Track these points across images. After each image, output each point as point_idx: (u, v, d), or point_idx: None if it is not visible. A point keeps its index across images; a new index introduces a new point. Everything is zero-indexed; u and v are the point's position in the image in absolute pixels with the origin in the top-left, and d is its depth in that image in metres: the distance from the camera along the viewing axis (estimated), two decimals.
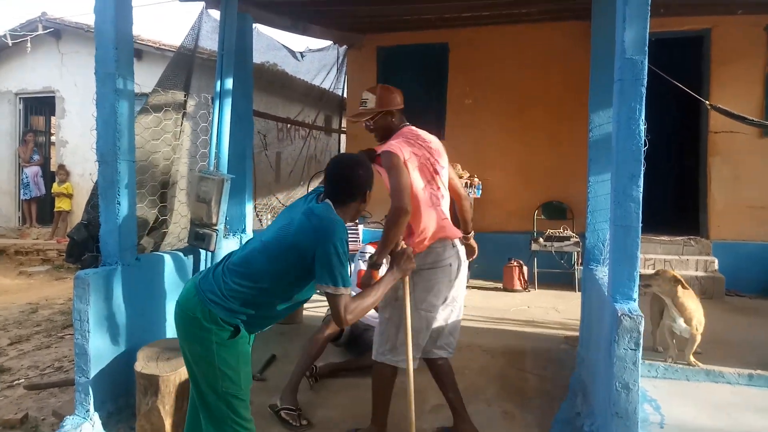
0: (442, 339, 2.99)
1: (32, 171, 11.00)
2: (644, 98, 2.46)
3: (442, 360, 3.00)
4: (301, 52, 7.58)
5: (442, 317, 2.96)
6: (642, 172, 2.49)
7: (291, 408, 3.16)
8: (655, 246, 6.23)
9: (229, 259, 2.25)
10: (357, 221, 6.81)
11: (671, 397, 3.28)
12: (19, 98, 11.20)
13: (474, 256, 3.32)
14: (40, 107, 11.64)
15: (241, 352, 2.18)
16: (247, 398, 2.22)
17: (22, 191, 11.03)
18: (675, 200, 8.40)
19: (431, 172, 2.93)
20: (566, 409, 3.33)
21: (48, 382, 4.23)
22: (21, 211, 11.28)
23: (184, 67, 4.13)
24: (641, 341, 2.36)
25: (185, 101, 4.15)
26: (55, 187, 10.83)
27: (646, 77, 2.46)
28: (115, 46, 3.19)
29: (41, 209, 11.30)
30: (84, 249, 3.35)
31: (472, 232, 3.33)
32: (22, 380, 4.53)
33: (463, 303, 3.08)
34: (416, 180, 2.84)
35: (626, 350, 2.37)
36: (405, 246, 2.47)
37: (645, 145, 2.53)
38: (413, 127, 3.06)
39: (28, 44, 9.91)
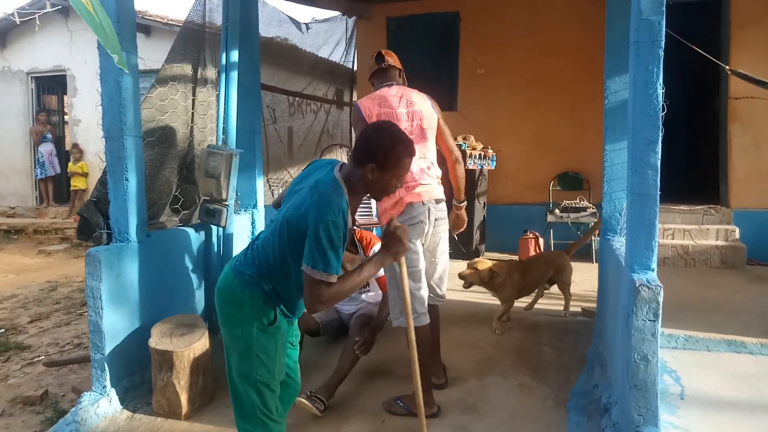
0: (430, 290, 3.18)
1: (46, 150, 11.06)
2: (662, 61, 2.35)
3: (428, 306, 3.15)
4: (306, 24, 7.44)
5: (428, 271, 3.15)
6: (660, 138, 2.39)
7: (322, 399, 3.07)
8: (674, 216, 6.11)
9: (257, 239, 2.21)
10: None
11: (692, 368, 3.22)
12: (31, 77, 11.21)
13: (461, 229, 3.39)
14: (52, 86, 11.66)
15: (280, 342, 2.17)
16: (277, 391, 2.19)
17: (38, 170, 11.10)
18: (694, 168, 8.22)
19: None
20: (583, 382, 3.29)
21: (66, 358, 4.28)
22: (38, 191, 11.38)
23: (191, 41, 4.06)
24: (660, 312, 2.29)
25: (195, 75, 4.08)
26: (71, 166, 10.90)
27: (663, 39, 2.35)
28: (117, 20, 3.12)
29: (57, 188, 11.40)
30: (95, 226, 3.34)
31: (465, 202, 3.35)
32: (42, 357, 4.59)
33: (447, 257, 3.23)
34: None
35: (644, 321, 2.31)
36: (397, 223, 2.22)
37: (663, 110, 2.43)
38: (387, 89, 3.14)
39: (37, 22, 9.86)
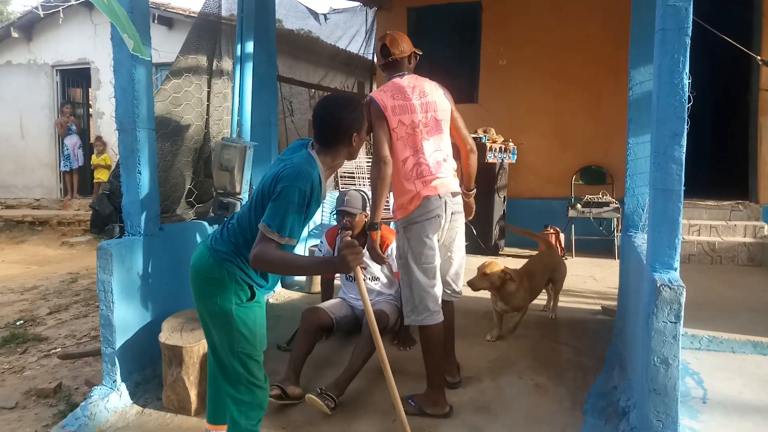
0: (445, 286, 3.14)
1: (71, 142, 11.19)
2: (688, 49, 2.24)
3: (443, 302, 3.11)
4: (324, 14, 7.37)
5: (443, 267, 3.10)
6: (685, 131, 2.28)
7: (333, 397, 3.01)
8: (700, 211, 5.93)
9: (233, 217, 2.27)
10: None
11: (715, 370, 3.09)
12: (56, 70, 11.33)
13: (470, 217, 3.31)
14: (77, 79, 11.78)
15: (258, 314, 2.23)
16: (261, 359, 2.26)
17: (62, 162, 11.23)
18: (722, 163, 7.99)
19: (412, 132, 2.94)
20: (602, 383, 3.19)
21: (81, 351, 4.29)
22: (63, 183, 11.52)
23: (206, 32, 4.02)
24: (682, 314, 2.19)
25: (210, 66, 4.04)
26: (94, 159, 11.01)
27: (690, 26, 2.23)
28: (131, 10, 3.09)
29: (82, 180, 11.53)
30: (107, 219, 3.33)
31: (474, 190, 3.29)
32: (59, 349, 4.62)
33: (464, 252, 3.19)
34: (398, 152, 2.92)
35: (665, 323, 2.20)
36: (349, 241, 2.16)
37: (689, 102, 2.32)
38: (399, 79, 3.04)
39: (61, 15, 9.94)
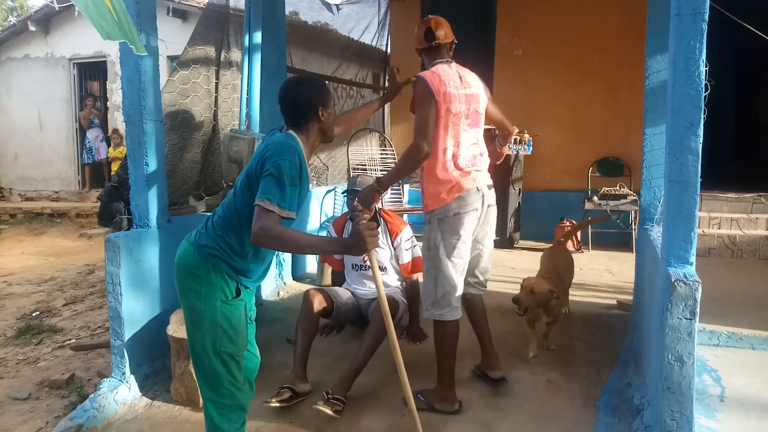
0: (473, 278, 3.11)
1: (93, 135, 11.27)
2: (705, 36, 2.15)
3: (471, 295, 3.11)
4: (336, 5, 7.30)
5: (473, 261, 3.04)
6: (702, 121, 2.19)
7: (340, 399, 2.95)
8: (720, 204, 5.78)
9: (215, 213, 2.22)
10: (401, 181, 6.62)
11: (733, 367, 3.01)
12: (73, 64, 11.40)
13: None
14: (94, 72, 11.84)
15: (242, 314, 2.17)
16: (242, 361, 2.20)
17: (85, 155, 11.32)
18: (744, 154, 7.82)
19: (456, 122, 2.86)
20: (616, 380, 3.12)
21: (94, 342, 4.32)
22: (81, 175, 11.61)
23: (214, 23, 3.98)
24: (697, 310, 2.11)
25: (218, 58, 4.01)
26: (111, 152, 11.08)
27: (707, 11, 2.14)
28: (137, 1, 3.07)
29: (98, 173, 11.59)
30: (115, 212, 3.32)
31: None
32: (73, 341, 4.66)
33: (492, 245, 3.14)
34: (440, 140, 2.83)
35: (680, 319, 2.13)
36: (367, 218, 2.16)
37: (706, 90, 2.23)
38: (447, 66, 2.92)
39: (77, 8, 9.97)
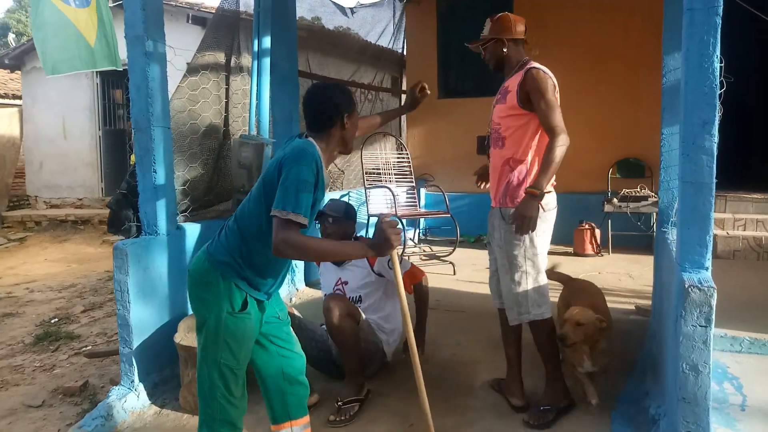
0: None
1: None
2: (719, 30, 2.06)
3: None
4: (351, 8, 7.29)
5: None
6: (716, 119, 2.10)
7: (352, 400, 2.90)
8: (746, 204, 5.62)
9: (229, 220, 2.19)
10: (415, 186, 6.57)
11: (756, 375, 2.89)
12: (96, 72, 11.56)
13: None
14: (117, 81, 12.01)
15: (248, 328, 2.11)
16: (241, 375, 2.16)
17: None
18: None
19: None
20: (632, 388, 3.02)
21: (107, 350, 4.33)
22: (106, 183, 11.76)
23: (224, 28, 3.99)
24: (713, 317, 2.02)
25: (228, 63, 4.01)
26: (133, 159, 11.21)
27: (720, 5, 2.06)
28: (143, 7, 3.08)
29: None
30: (125, 219, 3.32)
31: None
32: (90, 347, 4.69)
33: None
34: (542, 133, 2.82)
35: (695, 327, 2.04)
36: (387, 219, 2.09)
37: (722, 87, 2.14)
38: (539, 66, 2.83)
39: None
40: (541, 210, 2.68)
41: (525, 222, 2.61)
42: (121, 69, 3.08)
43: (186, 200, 3.67)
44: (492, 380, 3.20)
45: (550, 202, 2.80)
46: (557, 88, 2.82)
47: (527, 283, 2.81)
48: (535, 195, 2.61)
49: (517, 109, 2.78)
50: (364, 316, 3.22)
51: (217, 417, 2.11)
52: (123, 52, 3.26)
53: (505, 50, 2.89)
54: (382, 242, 2.03)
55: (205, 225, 3.66)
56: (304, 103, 2.21)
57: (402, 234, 2.05)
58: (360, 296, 3.30)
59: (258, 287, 2.12)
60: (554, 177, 2.77)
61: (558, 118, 2.72)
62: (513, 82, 2.83)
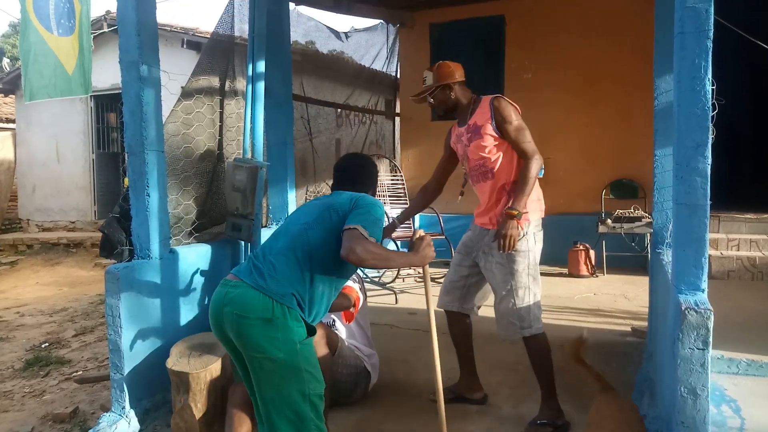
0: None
1: None
2: (710, 54, 2.08)
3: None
4: (345, 33, 7.36)
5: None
6: (710, 141, 2.12)
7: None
8: (739, 225, 5.63)
9: (270, 251, 2.14)
10: None
11: (754, 397, 2.86)
12: (90, 96, 11.59)
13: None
14: (111, 104, 12.03)
15: (313, 349, 2.13)
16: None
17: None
18: (764, 174, 7.65)
19: None
20: None
21: (98, 375, 4.27)
22: (98, 206, 11.72)
23: (219, 52, 4.00)
24: (710, 339, 2.01)
25: (222, 87, 4.03)
26: (126, 182, 11.19)
27: (711, 29, 2.08)
28: (138, 33, 3.08)
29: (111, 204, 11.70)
30: (117, 243, 3.30)
31: None
32: (81, 372, 4.62)
33: None
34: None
35: (692, 350, 2.03)
36: (424, 234, 2.35)
37: (714, 110, 2.16)
38: (499, 96, 3.04)
39: (91, 43, 10.19)
40: (537, 227, 3.03)
41: (506, 240, 2.82)
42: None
43: (179, 224, 3.65)
44: (433, 394, 3.09)
45: (540, 221, 3.08)
46: (519, 110, 3.02)
47: (530, 299, 2.96)
48: (513, 215, 2.82)
49: (498, 139, 2.95)
50: (344, 335, 3.28)
51: None
52: (115, 77, 3.28)
53: (452, 95, 3.09)
54: (422, 258, 2.29)
55: (198, 248, 3.63)
56: (345, 165, 2.53)
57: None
58: (334, 320, 3.37)
59: (314, 315, 2.13)
60: (542, 206, 3.12)
61: (528, 142, 2.94)
62: (481, 118, 2.99)
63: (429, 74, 3.12)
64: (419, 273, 6.60)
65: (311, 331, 2.08)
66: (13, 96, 11.92)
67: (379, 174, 2.62)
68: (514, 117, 2.93)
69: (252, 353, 1.99)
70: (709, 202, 2.13)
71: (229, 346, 2.12)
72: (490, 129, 2.93)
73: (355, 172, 2.47)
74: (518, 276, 2.93)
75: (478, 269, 3.11)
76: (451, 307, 3.23)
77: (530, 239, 2.95)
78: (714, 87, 2.15)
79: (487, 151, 2.95)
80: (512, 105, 2.98)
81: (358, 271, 3.20)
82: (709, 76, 2.11)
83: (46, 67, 3.53)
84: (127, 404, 3.08)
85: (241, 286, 2.03)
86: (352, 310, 3.10)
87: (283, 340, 1.97)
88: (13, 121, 12.47)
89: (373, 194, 2.49)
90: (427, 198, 3.44)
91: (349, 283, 3.05)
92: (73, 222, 11.71)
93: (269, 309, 1.97)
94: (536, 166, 2.91)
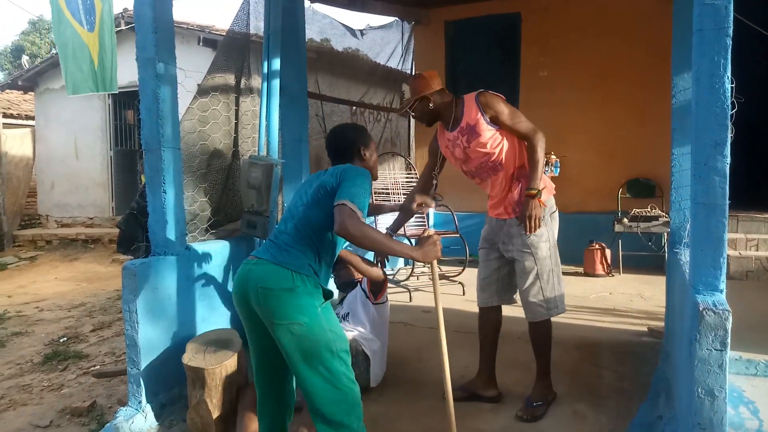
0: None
1: None
2: (729, 51, 2.05)
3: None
4: (360, 30, 7.36)
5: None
6: (729, 140, 2.09)
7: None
8: (758, 224, 5.57)
9: (283, 230, 2.32)
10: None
11: None
12: (108, 93, 11.69)
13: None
14: (128, 101, 12.14)
15: (332, 310, 2.30)
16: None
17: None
18: None
19: None
20: (646, 412, 2.96)
21: (115, 369, 4.31)
22: (116, 202, 11.83)
23: (234, 50, 4.02)
24: (728, 340, 1.99)
25: (238, 85, 4.04)
26: (143, 179, 11.28)
27: (731, 26, 2.05)
28: (154, 30, 3.11)
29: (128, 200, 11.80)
30: (134, 239, 3.33)
31: None
32: (98, 366, 4.67)
33: None
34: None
35: (710, 351, 2.01)
36: (432, 233, 2.39)
37: (733, 108, 2.13)
38: (482, 91, 3.07)
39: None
40: (553, 208, 3.12)
41: (532, 221, 2.91)
42: (116, 92, 3.24)
43: (195, 221, 3.68)
44: (456, 390, 3.17)
45: (554, 203, 3.18)
46: (503, 97, 3.05)
47: (554, 280, 3.07)
48: (533, 195, 2.92)
49: (494, 131, 2.98)
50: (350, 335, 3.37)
51: (349, 400, 2.18)
52: (133, 75, 3.29)
53: (431, 105, 3.12)
54: (426, 252, 2.32)
55: (214, 245, 3.66)
56: (328, 142, 2.58)
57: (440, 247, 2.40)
58: (348, 313, 3.53)
59: (325, 279, 2.31)
60: (553, 187, 3.18)
61: (524, 123, 2.99)
62: (471, 116, 3.02)
63: (408, 89, 3.19)
64: None
65: (328, 295, 2.25)
66: (33, 93, 12.06)
67: (364, 130, 2.65)
68: (503, 106, 2.98)
69: (279, 321, 2.14)
70: (727, 202, 2.10)
71: (250, 320, 2.26)
72: (484, 124, 2.97)
73: (338, 145, 2.56)
74: (541, 261, 3.03)
75: (506, 260, 3.17)
76: (490, 302, 3.27)
77: (547, 222, 3.05)
78: (733, 85, 2.13)
79: (489, 146, 2.99)
80: (497, 95, 3.02)
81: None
82: (728, 73, 2.08)
83: (83, 61, 3.58)
84: (143, 399, 3.12)
85: (262, 262, 2.22)
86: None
87: (306, 306, 2.15)
88: (33, 118, 12.62)
89: (365, 152, 2.57)
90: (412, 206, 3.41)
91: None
92: (91, 218, 11.83)
93: (289, 279, 2.15)
94: (541, 143, 2.96)
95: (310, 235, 2.25)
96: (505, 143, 3.00)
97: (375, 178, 2.62)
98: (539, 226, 2.94)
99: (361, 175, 2.28)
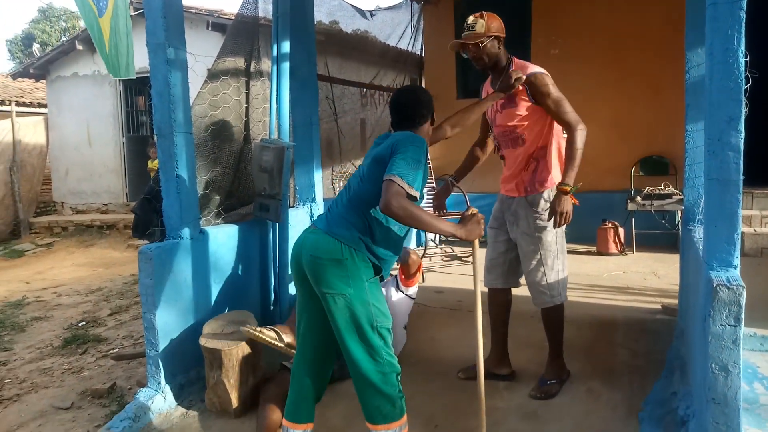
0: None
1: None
2: (743, 24, 2.02)
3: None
4: (370, 11, 7.30)
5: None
6: (743, 115, 2.07)
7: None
8: None
9: (341, 200, 2.38)
10: (436, 186, 6.54)
11: None
12: (119, 80, 11.73)
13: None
14: (140, 87, 12.17)
15: (382, 291, 2.36)
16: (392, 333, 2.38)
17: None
18: None
19: None
20: (660, 389, 2.98)
21: (133, 352, 4.39)
22: (130, 188, 11.92)
23: (244, 34, 4.02)
24: (742, 316, 1.98)
25: (248, 68, 4.04)
26: (150, 164, 11.34)
27: None
28: (164, 15, 3.11)
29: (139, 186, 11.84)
30: (149, 223, 3.37)
31: None
32: (116, 350, 4.76)
33: None
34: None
35: (724, 326, 2.01)
36: (476, 212, 2.38)
37: (747, 82, 2.10)
38: (535, 70, 3.02)
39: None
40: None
41: (562, 218, 2.83)
42: (134, 77, 3.24)
43: (209, 204, 3.70)
44: (461, 372, 3.30)
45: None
46: (551, 79, 2.98)
47: (559, 266, 3.04)
48: (566, 191, 2.82)
49: (532, 107, 2.94)
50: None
51: (387, 371, 2.26)
52: (143, 61, 3.31)
53: (501, 48, 3.03)
54: (470, 230, 2.33)
55: (227, 229, 3.69)
56: (397, 102, 2.50)
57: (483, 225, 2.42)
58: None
59: (379, 259, 2.31)
60: None
61: (569, 112, 2.92)
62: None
63: (478, 21, 2.97)
64: (446, 252, 6.62)
65: (378, 271, 2.31)
66: (44, 81, 12.13)
67: (432, 98, 2.56)
68: (552, 89, 2.90)
69: (326, 290, 2.22)
70: (741, 177, 2.09)
71: (303, 285, 2.36)
72: (525, 98, 2.93)
73: (405, 109, 2.48)
74: (547, 245, 3.00)
75: (514, 243, 3.15)
76: (495, 284, 3.26)
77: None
78: (747, 59, 2.10)
79: (518, 119, 2.95)
80: (546, 75, 2.95)
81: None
82: (743, 48, 2.06)
83: (100, 45, 3.60)
84: (162, 380, 3.17)
85: (317, 232, 2.31)
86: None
87: (352, 278, 2.21)
88: (45, 106, 12.70)
89: (426, 123, 2.50)
90: (475, 154, 3.45)
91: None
92: (106, 204, 11.94)
93: (338, 251, 2.22)
94: (582, 137, 2.88)
95: (363, 209, 2.28)
96: (536, 122, 2.96)
97: (430, 144, 2.61)
98: (569, 222, 2.86)
99: (415, 145, 2.24)
